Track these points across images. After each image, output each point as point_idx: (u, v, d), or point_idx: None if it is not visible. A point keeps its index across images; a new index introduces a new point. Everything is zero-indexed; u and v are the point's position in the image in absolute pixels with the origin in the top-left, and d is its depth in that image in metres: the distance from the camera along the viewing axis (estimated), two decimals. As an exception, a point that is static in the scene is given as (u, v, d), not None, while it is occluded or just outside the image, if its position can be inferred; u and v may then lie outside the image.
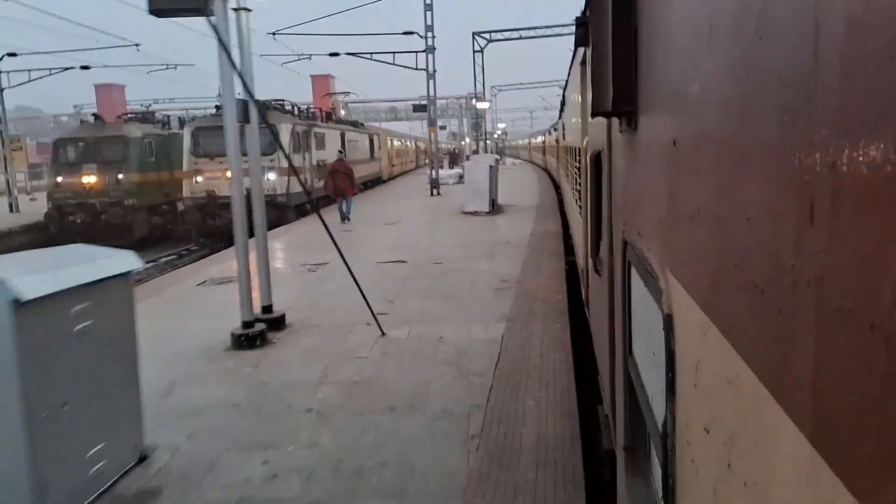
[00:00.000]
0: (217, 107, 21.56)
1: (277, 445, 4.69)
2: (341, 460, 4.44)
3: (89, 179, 22.67)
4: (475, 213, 18.36)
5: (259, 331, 6.85)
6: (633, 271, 2.21)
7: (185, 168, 20.97)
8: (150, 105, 66.07)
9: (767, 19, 0.84)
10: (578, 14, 4.65)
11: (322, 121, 27.11)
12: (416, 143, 62.44)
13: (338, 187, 17.89)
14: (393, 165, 45.74)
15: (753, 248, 0.90)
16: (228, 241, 18.28)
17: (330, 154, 23.98)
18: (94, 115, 25.35)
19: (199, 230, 20.40)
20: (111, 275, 4.07)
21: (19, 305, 3.38)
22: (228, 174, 17.87)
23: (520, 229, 15.19)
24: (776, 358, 0.81)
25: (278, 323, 7.40)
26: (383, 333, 7.12)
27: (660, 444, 1.63)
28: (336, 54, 27.30)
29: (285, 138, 20.20)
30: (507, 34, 40.55)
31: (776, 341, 0.81)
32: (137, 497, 4.07)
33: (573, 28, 4.97)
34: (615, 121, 2.69)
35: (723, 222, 1.05)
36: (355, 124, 36.12)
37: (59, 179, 22.87)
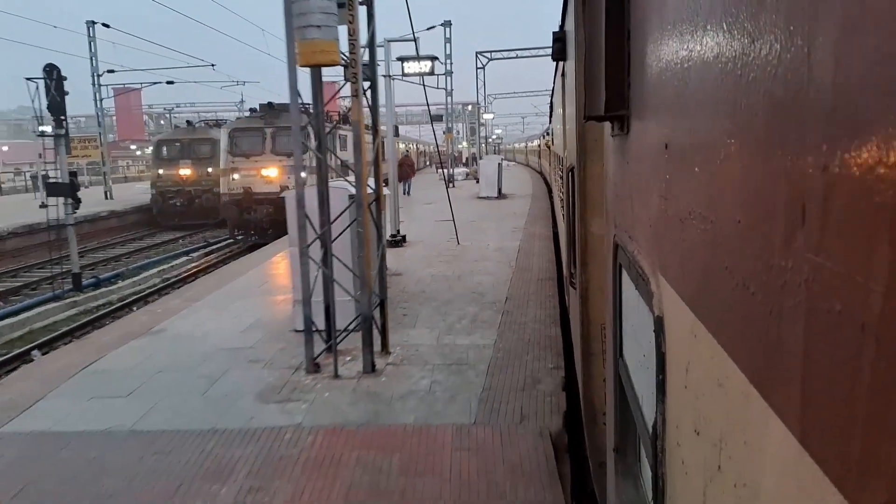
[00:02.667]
0: (251, 110, 24.04)
1: (434, 267, 11.59)
2: (455, 274, 11.30)
3: (185, 172, 29.21)
4: (487, 198, 25.23)
5: (401, 237, 13.76)
6: (624, 274, 2.20)
7: (222, 166, 22.52)
8: (172, 108, 72.50)
9: (760, 22, 0.83)
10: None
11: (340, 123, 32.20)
12: (417, 146, 68.77)
13: (403, 173, 24.89)
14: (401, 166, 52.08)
15: (744, 250, 0.89)
16: (262, 234, 21.48)
17: (351, 154, 28.23)
18: (187, 121, 32.02)
19: (236, 223, 22.11)
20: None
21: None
22: (263, 172, 22.78)
23: (520, 207, 22.09)
24: (765, 359, 0.81)
25: (402, 240, 14.27)
26: (458, 243, 14.01)
27: (650, 446, 1.64)
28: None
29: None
30: (504, 53, 47.62)
31: (766, 343, 0.81)
32: (394, 274, 10.94)
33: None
34: (607, 125, 2.68)
35: (714, 224, 1.05)
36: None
37: (161, 172, 29.45)
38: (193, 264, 19.38)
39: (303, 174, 21.99)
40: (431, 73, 14.04)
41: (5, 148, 66.19)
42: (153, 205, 29.43)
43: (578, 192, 3.56)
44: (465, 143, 67.80)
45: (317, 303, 6.60)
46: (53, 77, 15.63)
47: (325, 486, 4.43)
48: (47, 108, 15.74)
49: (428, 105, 13.39)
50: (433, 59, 16.28)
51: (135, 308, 13.76)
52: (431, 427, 5.21)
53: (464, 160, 56.90)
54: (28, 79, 18.47)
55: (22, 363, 10.27)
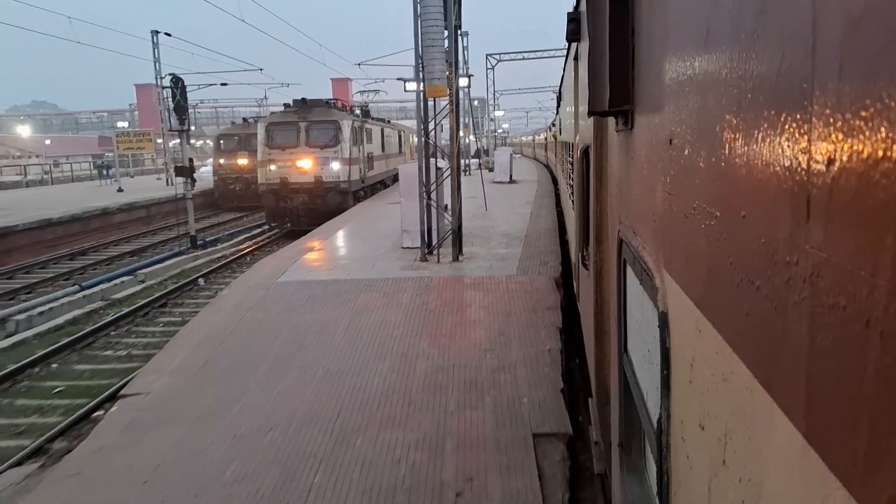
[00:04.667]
0: (286, 105, 25.41)
1: (474, 222, 16.79)
2: (489, 225, 16.47)
3: (242, 161, 34.38)
4: (501, 182, 30.38)
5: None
6: (629, 269, 2.18)
7: (259, 158, 23.75)
8: (196, 105, 77.54)
9: (765, 18, 0.83)
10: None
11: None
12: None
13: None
14: (414, 158, 55.83)
15: (749, 245, 0.89)
16: (296, 221, 22.73)
17: (375, 147, 28.85)
18: (243, 118, 37.11)
19: (272, 211, 23.54)
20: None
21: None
22: (297, 163, 26.81)
23: (529, 189, 27.28)
24: (770, 354, 0.81)
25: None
26: (486, 209, 19.15)
27: (655, 441, 1.63)
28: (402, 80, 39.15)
29: (347, 133, 23.46)
30: (513, 56, 52.68)
31: (770, 337, 0.81)
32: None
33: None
34: (611, 120, 2.65)
35: (718, 220, 1.05)
36: (383, 121, 40.40)
37: (222, 161, 34.63)
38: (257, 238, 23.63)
39: (336, 163, 25.13)
40: (468, 86, 19.16)
41: (48, 142, 71.47)
42: (216, 189, 34.61)
43: (594, 169, 3.55)
44: (472, 137, 72.68)
45: (414, 232, 11.79)
46: (179, 86, 20.77)
47: (446, 296, 9.67)
48: (174, 109, 20.89)
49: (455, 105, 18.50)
50: (470, 76, 21.14)
51: (248, 259, 19.00)
52: (494, 276, 10.46)
53: (472, 152, 61.99)
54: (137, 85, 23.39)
55: (193, 285, 15.49)
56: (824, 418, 0.66)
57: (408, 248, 12.23)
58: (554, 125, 22.63)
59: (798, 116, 0.72)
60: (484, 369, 7.02)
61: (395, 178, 37.66)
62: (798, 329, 0.72)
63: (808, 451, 0.69)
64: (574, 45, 5.61)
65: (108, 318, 12.39)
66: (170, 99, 21.15)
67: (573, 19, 4.58)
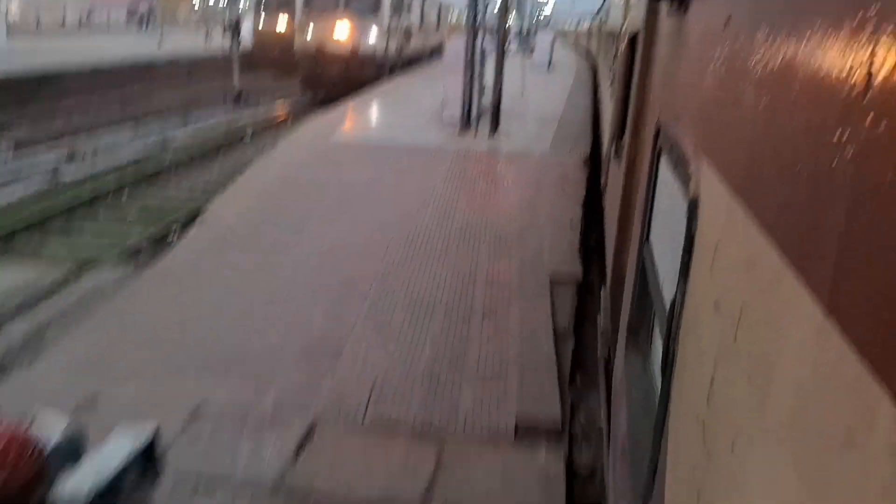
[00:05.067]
0: None
1: (510, 104, 17.31)
2: (526, 106, 16.99)
3: (282, 25, 34.22)
4: (540, 68, 30.18)
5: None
6: (663, 158, 2.19)
7: (297, 22, 23.90)
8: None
9: None
10: None
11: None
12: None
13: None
14: (450, 37, 54.22)
15: (797, 128, 0.88)
16: (331, 89, 21.93)
17: (414, 21, 28.58)
18: (285, -21, 36.44)
19: (308, 77, 23.55)
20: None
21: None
22: (335, 31, 25.85)
23: (568, 76, 27.29)
24: (803, 233, 0.83)
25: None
26: (522, 95, 19.54)
27: (665, 323, 1.68)
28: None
29: (387, 2, 23.39)
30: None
31: (805, 217, 0.82)
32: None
33: None
34: (664, 4, 2.63)
35: (767, 104, 1.04)
36: None
37: (261, 22, 34.53)
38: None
39: (374, 33, 24.96)
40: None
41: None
42: (254, 51, 34.72)
43: (641, 56, 3.56)
44: (514, 18, 70.00)
45: (455, 106, 12.49)
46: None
47: (482, 166, 10.56)
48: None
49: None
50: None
51: (289, 121, 19.78)
52: (527, 151, 11.31)
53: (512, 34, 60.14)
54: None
55: (240, 140, 16.43)
56: (850, 295, 0.67)
57: (448, 121, 12.96)
58: (599, 13, 22.33)
59: None
60: (512, 229, 8.05)
61: (432, 55, 36.85)
62: (835, 207, 0.73)
63: (826, 327, 0.70)
64: None
65: (167, 162, 13.48)
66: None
67: None
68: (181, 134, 16.76)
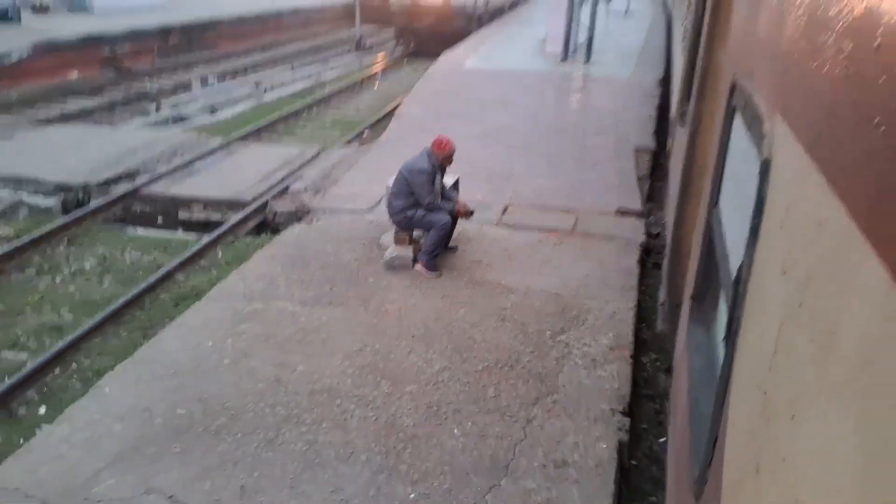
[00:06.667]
0: None
1: (600, 41, 20.65)
2: (608, 37, 20.26)
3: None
4: (619, 13, 32.94)
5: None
6: (737, 118, 2.13)
7: None
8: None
9: None
10: None
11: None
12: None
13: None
14: None
15: (877, 79, 0.84)
16: (423, 42, 23.94)
17: None
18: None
19: (402, 30, 25.33)
20: None
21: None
22: None
23: (644, 22, 29.96)
24: (875, 194, 0.81)
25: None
26: (606, 35, 22.69)
27: (731, 290, 1.65)
28: None
29: None
30: None
31: (879, 177, 0.80)
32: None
33: None
34: None
35: (848, 54, 0.99)
36: None
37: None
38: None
39: None
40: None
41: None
42: (357, 3, 38.63)
43: (710, 15, 3.32)
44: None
45: (557, 40, 15.99)
46: None
47: (581, 83, 14.18)
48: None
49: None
50: None
51: (405, 60, 23.61)
52: (615, 74, 14.86)
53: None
54: None
55: (373, 79, 20.39)
56: None
57: (549, 53, 16.51)
58: None
59: None
60: (608, 120, 11.74)
61: (512, 6, 38.03)
62: None
63: (893, 291, 0.70)
64: None
65: (321, 94, 17.59)
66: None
67: None
68: (329, 72, 20.91)
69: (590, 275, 6.47)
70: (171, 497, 3.69)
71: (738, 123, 2.11)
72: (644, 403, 5.19)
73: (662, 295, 4.53)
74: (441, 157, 6.37)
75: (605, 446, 4.21)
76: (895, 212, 0.73)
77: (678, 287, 3.72)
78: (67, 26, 19.99)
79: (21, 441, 4.53)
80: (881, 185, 0.79)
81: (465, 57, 17.10)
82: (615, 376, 4.89)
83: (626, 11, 33.66)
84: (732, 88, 2.26)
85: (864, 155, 0.87)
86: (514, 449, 4.15)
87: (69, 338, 5.89)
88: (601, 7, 26.89)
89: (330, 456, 4.03)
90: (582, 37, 16.60)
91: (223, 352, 5.04)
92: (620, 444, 4.28)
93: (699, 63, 3.84)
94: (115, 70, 19.65)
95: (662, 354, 5.59)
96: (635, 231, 7.75)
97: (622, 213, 8.37)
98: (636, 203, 8.59)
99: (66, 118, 14.04)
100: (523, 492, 3.82)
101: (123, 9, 25.18)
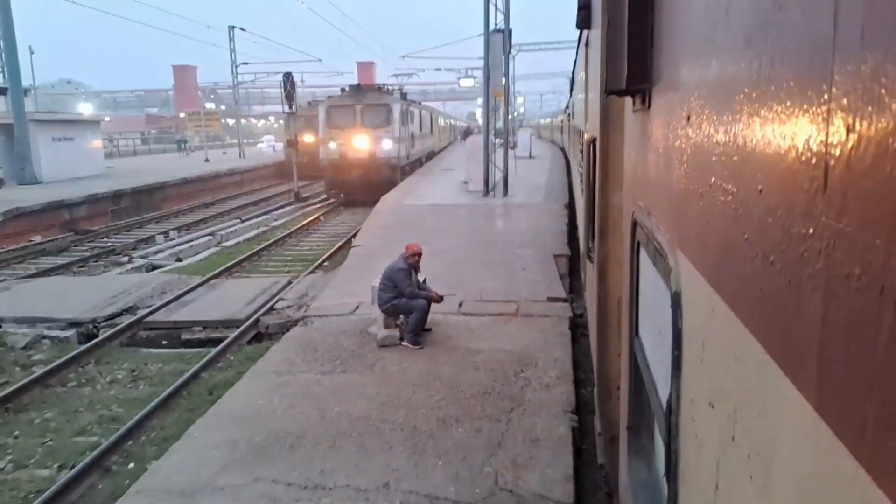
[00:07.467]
0: (342, 89, 28.95)
1: (512, 178, 24.12)
2: (521, 182, 23.76)
3: (309, 139, 41.61)
4: (524, 157, 37.60)
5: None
6: (642, 252, 2.20)
7: (321, 136, 27.03)
8: (216, 83, 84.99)
9: None
10: None
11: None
12: (450, 122, 78.02)
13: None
14: (440, 140, 58.48)
15: (764, 220, 0.89)
16: (351, 192, 25.58)
17: (415, 127, 32.28)
18: (308, 102, 44.31)
19: (331, 182, 27.04)
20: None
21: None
22: (354, 141, 32.78)
23: (545, 162, 34.51)
24: (783, 329, 0.81)
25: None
26: (517, 174, 26.37)
27: (664, 422, 1.63)
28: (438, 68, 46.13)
29: (397, 114, 26.96)
30: (532, 46, 59.50)
31: (783, 311, 0.81)
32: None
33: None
34: (627, 101, 2.64)
35: (735, 196, 1.04)
36: (419, 104, 39.80)
37: (287, 139, 41.97)
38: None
39: (388, 141, 32.01)
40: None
41: (107, 119, 79.10)
42: (286, 158, 42.01)
43: (600, 163, 3.51)
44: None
45: (477, 181, 19.09)
46: (289, 80, 28.09)
47: (503, 210, 17.06)
48: (285, 98, 28.23)
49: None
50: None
51: (342, 207, 26.35)
52: (529, 202, 17.87)
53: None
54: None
55: (315, 224, 22.88)
56: (836, 390, 0.66)
57: (472, 191, 19.52)
58: (567, 108, 24.26)
59: (817, 86, 0.71)
60: (528, 236, 14.38)
61: (429, 157, 42.82)
62: (811, 301, 0.72)
63: (817, 423, 0.69)
64: (585, 32, 5.61)
65: (274, 238, 19.76)
66: (281, 89, 28.45)
67: (583, 6, 4.61)
68: (276, 221, 23.21)
69: (535, 338, 8.56)
70: (273, 480, 5.26)
71: (645, 257, 2.17)
72: (584, 412, 7.12)
73: (598, 426, 4.59)
74: (409, 256, 8.52)
75: (563, 429, 6.11)
76: (806, 346, 0.74)
77: (611, 419, 3.81)
78: (29, 196, 21.63)
79: (126, 483, 5.93)
80: (787, 320, 0.80)
81: (403, 198, 19.89)
82: (564, 392, 6.86)
83: (530, 155, 38.60)
84: (634, 225, 2.35)
85: (765, 291, 0.89)
86: (502, 435, 5.98)
87: (147, 407, 7.40)
88: (510, 152, 31.16)
89: (376, 450, 5.73)
90: (497, 176, 19.77)
91: (273, 405, 6.68)
92: (573, 429, 6.18)
93: (598, 204, 4.09)
94: (73, 232, 21.21)
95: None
96: (564, 310, 10.00)
97: (552, 299, 10.65)
98: (561, 292, 10.93)
99: (45, 274, 15.40)
100: (513, 455, 5.63)
101: (69, 179, 27.14)
